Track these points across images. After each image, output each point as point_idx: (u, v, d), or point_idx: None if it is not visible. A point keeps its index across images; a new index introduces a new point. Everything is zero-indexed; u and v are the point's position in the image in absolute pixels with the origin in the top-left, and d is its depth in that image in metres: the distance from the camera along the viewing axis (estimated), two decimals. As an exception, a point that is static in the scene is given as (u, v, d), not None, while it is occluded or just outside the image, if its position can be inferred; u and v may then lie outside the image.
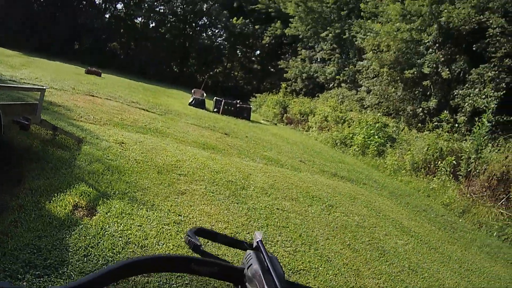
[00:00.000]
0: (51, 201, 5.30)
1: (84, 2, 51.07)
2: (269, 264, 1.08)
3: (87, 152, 7.77)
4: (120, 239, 4.78)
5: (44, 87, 7.92)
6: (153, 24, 55.03)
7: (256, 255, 1.13)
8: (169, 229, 5.42)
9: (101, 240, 4.61)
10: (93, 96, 16.20)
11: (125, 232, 4.99)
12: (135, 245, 4.77)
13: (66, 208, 5.19)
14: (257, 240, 1.20)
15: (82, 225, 4.83)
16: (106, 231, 4.85)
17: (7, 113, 6.13)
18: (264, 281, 1.02)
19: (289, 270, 5.35)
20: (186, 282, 4.34)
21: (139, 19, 54.85)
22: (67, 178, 6.18)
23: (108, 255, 4.39)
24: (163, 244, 5.01)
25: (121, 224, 5.14)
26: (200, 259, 1.16)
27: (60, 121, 9.53)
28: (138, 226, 5.23)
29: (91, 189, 6.00)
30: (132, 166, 7.74)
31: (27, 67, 22.02)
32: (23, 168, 6.29)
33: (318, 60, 41.44)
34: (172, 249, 4.92)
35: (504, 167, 13.53)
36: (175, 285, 4.22)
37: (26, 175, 5.99)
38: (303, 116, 30.91)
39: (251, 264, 1.10)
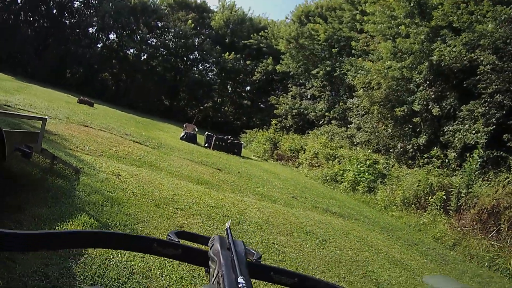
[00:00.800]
0: (55, 229, 5.29)
1: (78, 30, 51.18)
2: (230, 243, 1.12)
3: (86, 183, 7.83)
4: (125, 269, 4.83)
5: (46, 117, 8.03)
6: (145, 57, 55.47)
7: (219, 238, 1.17)
8: (171, 261, 5.37)
9: (106, 270, 4.66)
10: (87, 126, 16.27)
11: (129, 263, 5.02)
12: (140, 275, 4.81)
13: (69, 238, 5.19)
14: (226, 228, 1.23)
15: (87, 255, 4.85)
16: (110, 262, 4.89)
17: (10, 140, 6.10)
18: (221, 256, 1.06)
19: None
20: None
21: (131, 50, 55.29)
22: (68, 207, 6.22)
23: (115, 284, 4.45)
24: (167, 275, 5.04)
25: (124, 255, 5.16)
26: (163, 240, 1.19)
27: (57, 151, 9.54)
28: (141, 257, 5.26)
29: (93, 220, 6.06)
30: (130, 199, 7.80)
31: (21, 92, 22.27)
32: (24, 195, 6.21)
33: (309, 97, 41.68)
34: (175, 281, 4.96)
35: (494, 200, 13.63)
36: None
37: (27, 203, 5.92)
38: (293, 153, 31.04)
39: (213, 244, 1.14)
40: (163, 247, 1.18)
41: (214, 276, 1.03)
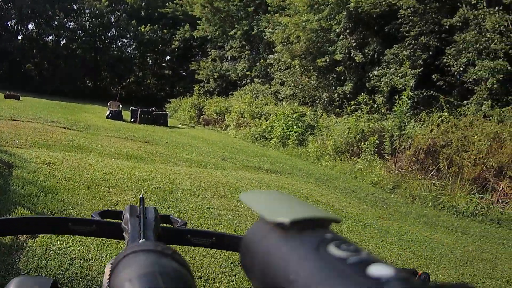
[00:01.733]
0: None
1: (-4, 26, 50.33)
2: (140, 210, 1.08)
3: (19, 176, 7.81)
4: (65, 256, 4.82)
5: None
6: (64, 41, 54.38)
7: (130, 207, 1.10)
8: (109, 242, 5.40)
9: (48, 260, 4.66)
10: (15, 120, 16.10)
11: (69, 248, 5.00)
12: (81, 259, 4.80)
13: (10, 234, 4.88)
14: (139, 197, 1.19)
15: (28, 248, 4.85)
16: (51, 250, 4.88)
17: None
18: (129, 224, 1.01)
19: (231, 264, 5.33)
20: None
21: (50, 37, 54.22)
22: (5, 204, 6.22)
23: (58, 272, 4.45)
24: (106, 255, 5.06)
25: (63, 242, 5.11)
26: (78, 218, 1.18)
27: None
28: (79, 241, 5.21)
29: (29, 212, 6.06)
30: (63, 185, 7.74)
31: None
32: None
33: (229, 58, 41.85)
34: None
35: (429, 140, 13.55)
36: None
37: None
38: (219, 116, 30.80)
39: (124, 215, 1.08)
40: (78, 225, 1.15)
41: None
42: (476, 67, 16.19)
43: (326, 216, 0.41)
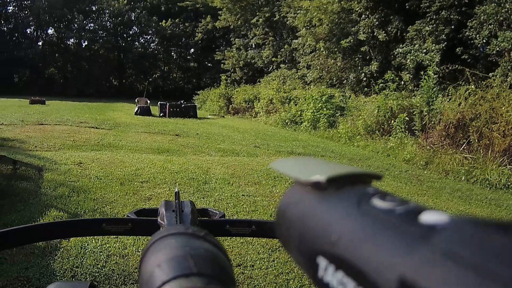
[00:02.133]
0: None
1: (16, 34, 50.60)
2: (175, 204, 1.09)
3: (50, 178, 7.86)
4: (101, 253, 4.82)
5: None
6: (86, 43, 54.76)
7: (165, 202, 1.12)
8: (145, 237, 5.20)
9: (83, 259, 4.67)
10: (42, 124, 16.31)
11: (104, 246, 5.00)
12: (117, 256, 4.80)
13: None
14: (175, 191, 1.20)
15: (62, 248, 4.86)
16: (86, 249, 4.89)
17: None
18: (165, 219, 1.02)
19: (269, 250, 5.30)
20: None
21: (71, 40, 54.58)
22: (37, 207, 6.24)
23: (94, 270, 4.45)
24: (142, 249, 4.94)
25: (98, 240, 5.12)
26: (111, 218, 1.16)
27: (18, 154, 9.62)
28: (114, 238, 5.21)
29: (62, 213, 6.08)
30: (95, 183, 7.81)
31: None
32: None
33: (253, 46, 41.78)
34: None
35: (459, 114, 13.49)
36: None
37: (-3, 213, 6.01)
38: (248, 104, 30.92)
39: (160, 211, 1.10)
40: (112, 225, 1.15)
41: None
42: (499, 39, 16.17)
43: (365, 172, 0.40)
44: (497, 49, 16.29)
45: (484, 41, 17.36)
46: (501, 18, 16.62)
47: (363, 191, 0.36)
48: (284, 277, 4.67)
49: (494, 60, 17.00)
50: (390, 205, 0.32)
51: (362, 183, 0.39)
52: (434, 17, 19.59)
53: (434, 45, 18.63)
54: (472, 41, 18.25)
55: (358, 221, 0.32)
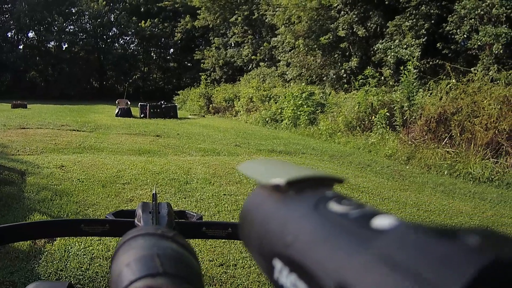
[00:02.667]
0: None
1: (-4, 38, 50.53)
2: (152, 206, 1.10)
3: (32, 182, 7.93)
4: (85, 256, 4.87)
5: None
6: (66, 46, 54.43)
7: (143, 204, 1.13)
8: None
9: (67, 262, 4.72)
10: (24, 128, 16.35)
11: (88, 248, 5.05)
12: (100, 258, 4.84)
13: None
14: (152, 193, 1.21)
15: (46, 252, 4.90)
16: (70, 252, 4.93)
17: None
18: (142, 221, 1.04)
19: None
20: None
21: (52, 43, 54.49)
22: (20, 211, 6.33)
23: (78, 273, 4.50)
24: None
25: (81, 242, 5.16)
26: (89, 219, 1.19)
27: (0, 159, 9.63)
28: (98, 241, 5.24)
29: (45, 216, 6.19)
30: (77, 186, 7.86)
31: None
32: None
33: (232, 45, 41.86)
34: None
35: (440, 108, 13.50)
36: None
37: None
38: (228, 103, 30.92)
39: (137, 212, 1.11)
40: (91, 225, 1.16)
41: None
42: (480, 33, 16.15)
43: (326, 175, 0.39)
44: (479, 43, 16.28)
45: (465, 36, 17.32)
46: (482, 12, 16.58)
47: (321, 194, 0.36)
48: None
49: (474, 54, 16.98)
50: (346, 208, 0.32)
51: (324, 186, 0.39)
52: (414, 12, 19.60)
53: (414, 40, 18.73)
54: (452, 36, 18.26)
55: (312, 224, 0.33)
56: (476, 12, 16.66)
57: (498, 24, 16.08)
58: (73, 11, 54.69)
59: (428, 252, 0.23)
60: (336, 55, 24.62)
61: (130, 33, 57.28)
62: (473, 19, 16.93)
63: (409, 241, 0.25)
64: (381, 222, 0.28)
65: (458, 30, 17.70)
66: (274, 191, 0.39)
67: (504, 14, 15.97)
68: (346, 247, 0.28)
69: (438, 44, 18.73)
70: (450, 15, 18.10)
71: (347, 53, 24.01)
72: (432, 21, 19.32)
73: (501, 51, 15.63)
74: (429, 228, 0.26)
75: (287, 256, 0.32)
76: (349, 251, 0.28)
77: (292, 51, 28.27)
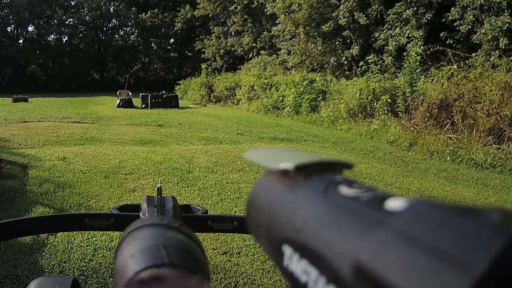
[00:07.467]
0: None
1: (-4, 32, 50.46)
2: (157, 200, 1.10)
3: (35, 175, 7.90)
4: (88, 247, 4.87)
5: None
6: (66, 38, 54.57)
7: (147, 197, 1.13)
8: None
9: (71, 253, 4.72)
10: (26, 122, 16.33)
11: (91, 239, 5.05)
12: (104, 249, 4.85)
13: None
14: (157, 187, 1.19)
15: (49, 244, 4.90)
16: (73, 244, 4.93)
17: None
18: (147, 214, 1.03)
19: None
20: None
21: (52, 36, 54.45)
22: (23, 204, 6.28)
23: (82, 265, 4.49)
24: None
25: (84, 234, 5.17)
26: (93, 214, 1.18)
27: (2, 153, 9.52)
28: (101, 232, 5.11)
29: (48, 209, 6.14)
30: (80, 178, 7.86)
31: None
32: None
33: (233, 34, 41.77)
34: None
35: (442, 94, 13.47)
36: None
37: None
38: (230, 91, 30.85)
39: (142, 206, 1.10)
40: (95, 220, 1.18)
41: None
42: (485, 25, 16.13)
43: (335, 160, 0.39)
44: (486, 38, 16.26)
45: (469, 26, 17.29)
46: (483, 1, 16.53)
47: (331, 179, 0.36)
48: (270, 263, 4.56)
49: (476, 42, 16.93)
50: (356, 192, 0.32)
51: (332, 171, 0.38)
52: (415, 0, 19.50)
53: (415, 27, 18.60)
54: (455, 26, 18.16)
55: (322, 208, 0.32)
56: (479, 1, 16.63)
57: (500, 12, 16.06)
58: (72, 3, 54.59)
59: (451, 228, 0.22)
60: (337, 43, 24.62)
61: (129, 24, 57.17)
62: (476, 9, 16.90)
63: (429, 218, 0.24)
64: (395, 203, 0.28)
65: (462, 21, 17.65)
66: (282, 176, 0.39)
67: (506, 1, 15.92)
68: (361, 228, 0.27)
69: (441, 33, 18.67)
70: (454, 7, 18.04)
71: (348, 41, 23.97)
72: (433, 11, 19.23)
73: (508, 44, 15.64)
74: (442, 204, 0.25)
75: (297, 242, 0.32)
76: (364, 231, 0.27)
77: (292, 39, 28.28)
